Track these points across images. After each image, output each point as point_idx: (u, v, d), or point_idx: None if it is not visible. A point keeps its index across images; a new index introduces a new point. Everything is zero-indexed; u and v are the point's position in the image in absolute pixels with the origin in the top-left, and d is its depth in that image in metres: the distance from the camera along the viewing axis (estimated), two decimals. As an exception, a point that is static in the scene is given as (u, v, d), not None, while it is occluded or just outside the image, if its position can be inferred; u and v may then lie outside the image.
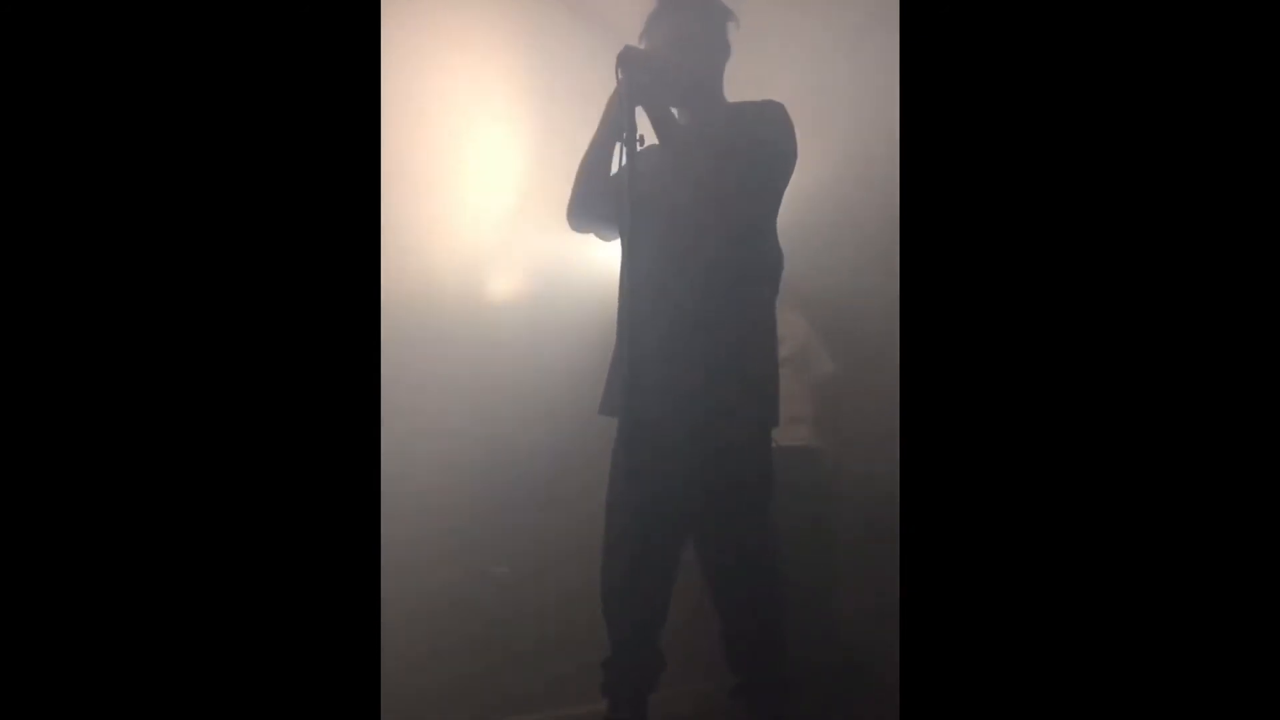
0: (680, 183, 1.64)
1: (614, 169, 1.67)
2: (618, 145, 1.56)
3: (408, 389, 2.23)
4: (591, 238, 1.88)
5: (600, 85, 1.80)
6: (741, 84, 1.91)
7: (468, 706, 2.33)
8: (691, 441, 1.60)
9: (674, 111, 1.70)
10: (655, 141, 1.63)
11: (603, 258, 1.98)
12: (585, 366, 2.16)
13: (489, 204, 2.69)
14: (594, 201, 1.75)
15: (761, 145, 1.69)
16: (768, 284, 1.74)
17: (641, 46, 1.79)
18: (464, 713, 2.32)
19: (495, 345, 2.60)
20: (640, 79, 1.58)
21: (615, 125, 1.59)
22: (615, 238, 1.75)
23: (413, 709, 2.11)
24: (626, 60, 1.58)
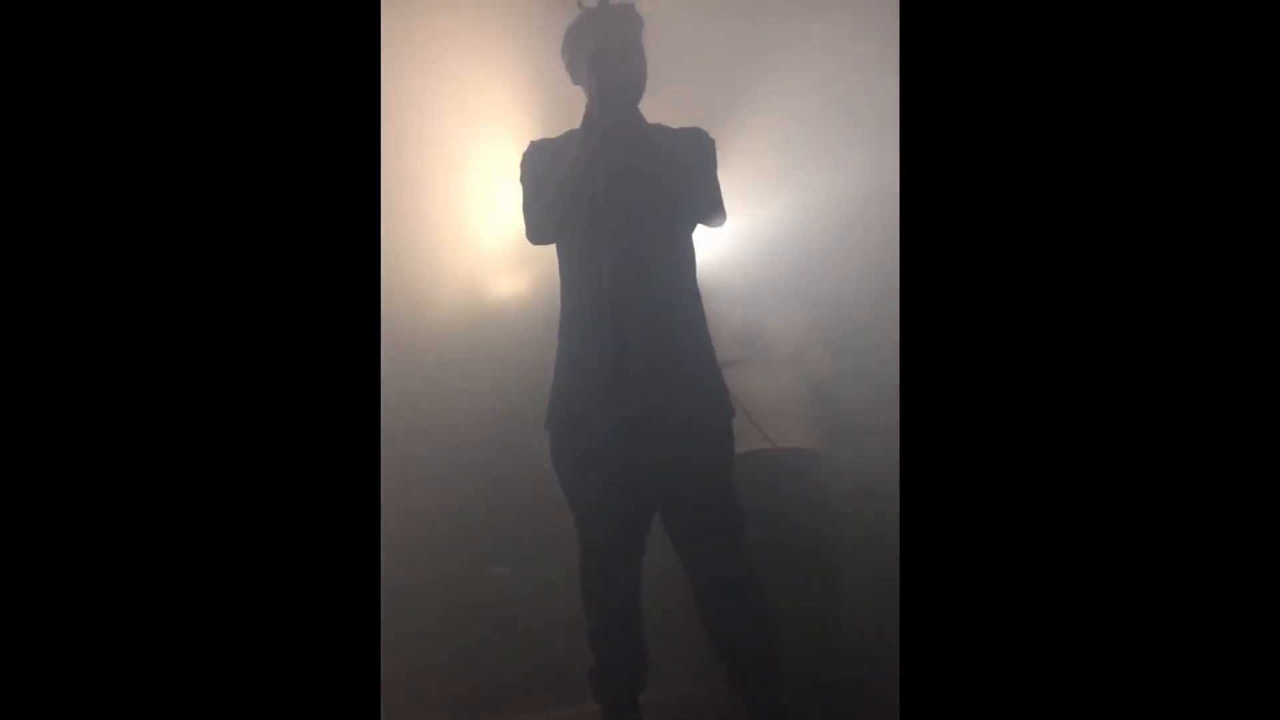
0: (612, 185, 1.64)
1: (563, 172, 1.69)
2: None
3: (408, 390, 2.23)
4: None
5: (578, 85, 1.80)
6: (742, 84, 1.90)
7: (468, 706, 2.33)
8: (646, 447, 1.60)
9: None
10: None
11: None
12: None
13: (489, 206, 2.69)
14: (550, 208, 1.76)
15: (699, 161, 1.73)
16: (689, 277, 1.75)
17: (565, 58, 1.82)
18: (464, 713, 2.32)
19: (495, 347, 2.60)
20: (613, 80, 1.60)
21: (588, 129, 1.60)
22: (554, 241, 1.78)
23: (413, 709, 2.11)
24: (599, 62, 1.60)
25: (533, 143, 1.83)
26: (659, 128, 1.78)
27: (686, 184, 1.70)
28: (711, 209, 1.76)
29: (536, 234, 1.80)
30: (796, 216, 2.82)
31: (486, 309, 2.69)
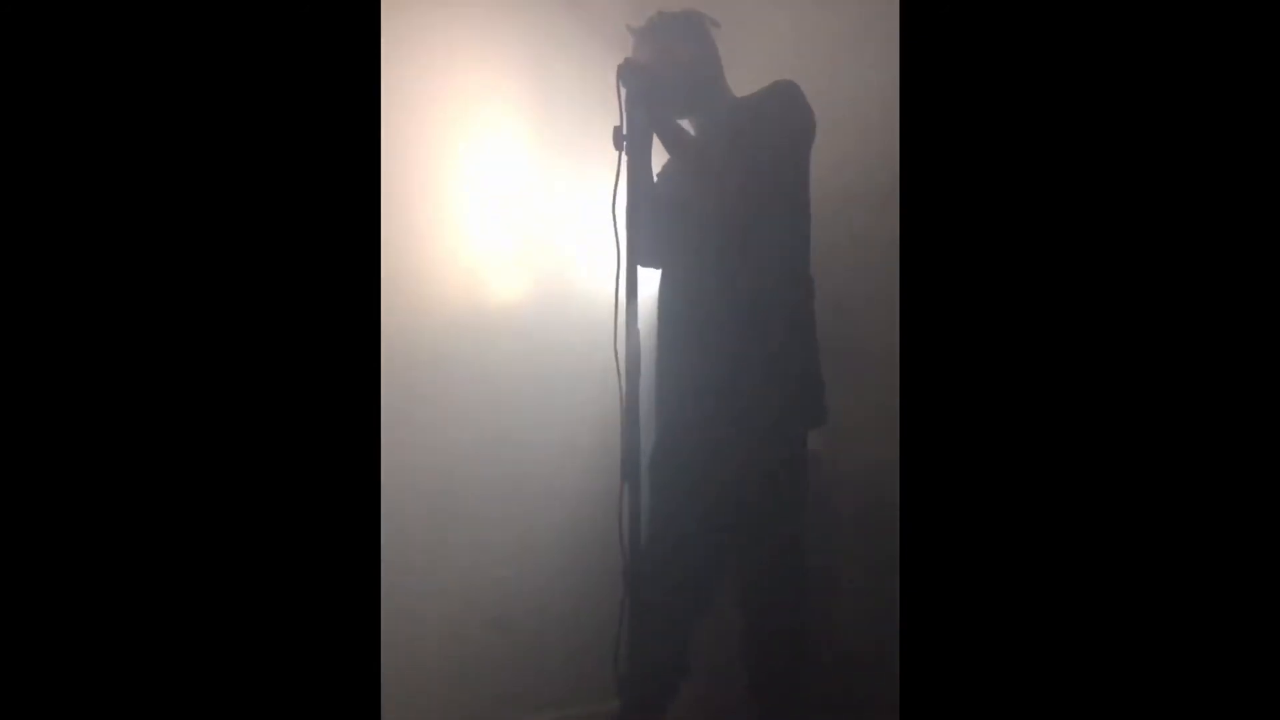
0: (700, 189, 1.63)
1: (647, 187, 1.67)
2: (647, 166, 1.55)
3: (408, 390, 2.23)
4: (590, 244, 1.88)
5: (603, 90, 1.80)
6: (742, 85, 1.90)
7: (468, 706, 2.33)
8: (731, 445, 1.59)
9: (683, 122, 1.69)
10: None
11: (603, 262, 1.99)
12: (586, 369, 2.16)
13: (490, 207, 2.69)
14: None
15: (769, 123, 1.67)
16: (802, 280, 1.72)
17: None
18: (464, 713, 2.32)
19: (495, 347, 2.60)
20: (642, 90, 1.59)
21: (634, 144, 1.58)
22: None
23: (413, 709, 2.11)
24: (627, 73, 1.59)
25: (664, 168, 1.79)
26: (737, 101, 1.71)
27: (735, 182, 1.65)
28: (791, 179, 1.68)
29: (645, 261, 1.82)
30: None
31: (486, 309, 2.69)
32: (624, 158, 1.55)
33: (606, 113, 1.79)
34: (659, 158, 1.80)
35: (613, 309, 1.65)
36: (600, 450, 1.77)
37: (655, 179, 1.64)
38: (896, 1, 1.04)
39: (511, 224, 2.70)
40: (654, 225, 1.63)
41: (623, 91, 1.61)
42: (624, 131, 1.61)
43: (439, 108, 2.59)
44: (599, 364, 1.83)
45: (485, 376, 2.53)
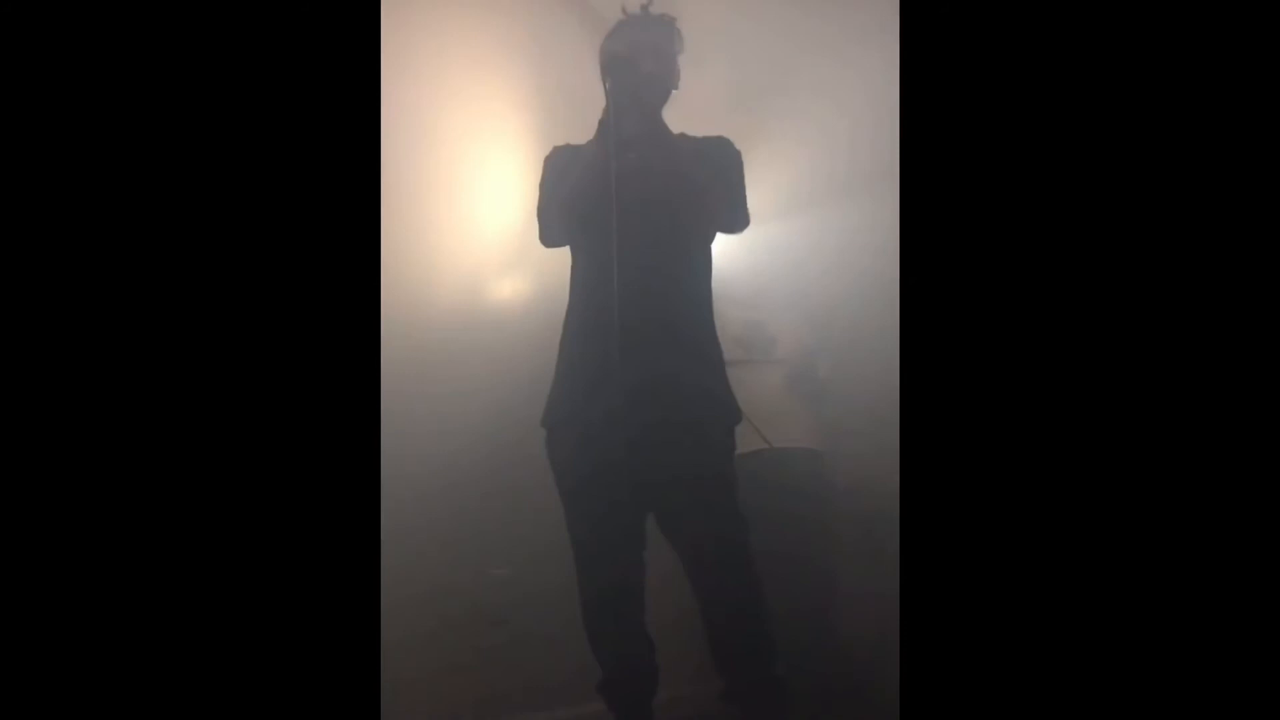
0: (623, 191, 1.64)
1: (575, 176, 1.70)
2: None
3: (408, 390, 2.23)
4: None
5: (603, 90, 1.80)
6: (742, 85, 1.91)
7: (468, 706, 2.33)
8: (649, 447, 1.60)
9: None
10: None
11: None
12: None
13: (490, 209, 2.69)
14: (562, 211, 1.76)
15: (710, 165, 1.72)
16: (702, 284, 1.75)
17: (600, 73, 1.82)
18: (464, 713, 2.32)
19: (495, 347, 2.60)
20: (629, 82, 1.60)
21: (604, 132, 1.60)
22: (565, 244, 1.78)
23: (413, 709, 2.11)
24: (612, 64, 1.60)
25: (555, 147, 1.83)
26: (681, 137, 1.78)
27: (697, 194, 1.70)
28: (731, 220, 1.75)
29: (548, 236, 1.81)
30: (796, 216, 2.82)
31: (486, 309, 2.69)
32: (602, 145, 1.58)
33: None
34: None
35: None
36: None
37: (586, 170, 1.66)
38: (896, 1, 1.04)
39: (511, 224, 2.70)
40: (584, 213, 1.66)
41: (608, 82, 1.63)
42: (610, 125, 1.62)
43: (439, 108, 2.60)
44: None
45: (485, 376, 2.53)
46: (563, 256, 1.80)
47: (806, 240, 2.84)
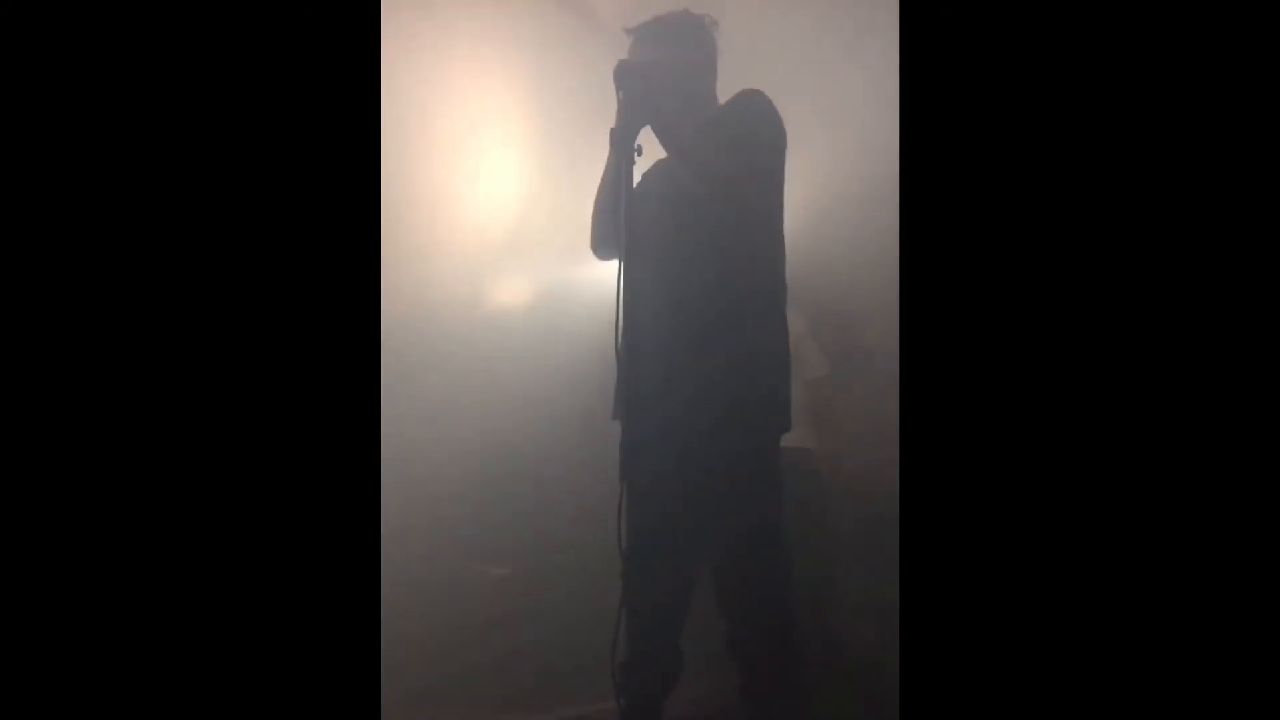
0: (680, 190, 1.63)
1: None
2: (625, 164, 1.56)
3: (408, 390, 2.23)
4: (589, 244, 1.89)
5: (602, 92, 1.80)
6: (740, 84, 1.90)
7: (468, 706, 2.33)
8: (700, 449, 1.60)
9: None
10: (661, 153, 1.63)
11: (603, 263, 2.00)
12: (586, 371, 2.16)
13: (490, 209, 2.70)
14: (613, 227, 1.74)
15: (742, 136, 1.68)
16: (776, 285, 1.73)
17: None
18: (464, 713, 2.32)
19: (496, 350, 2.60)
20: (639, 91, 1.59)
21: (621, 143, 1.59)
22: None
23: (413, 709, 2.11)
24: (624, 74, 1.59)
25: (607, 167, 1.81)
26: (716, 123, 1.73)
27: (723, 187, 1.66)
28: (767, 185, 1.68)
29: (597, 252, 1.81)
30: (796, 216, 2.82)
31: (486, 309, 2.70)
32: (617, 156, 1.57)
33: (606, 113, 1.80)
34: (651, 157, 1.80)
35: (613, 309, 1.65)
36: (599, 450, 1.77)
37: (640, 178, 1.64)
38: (896, 1, 1.04)
39: (511, 224, 2.70)
40: (628, 222, 1.65)
41: (620, 94, 1.62)
42: (619, 134, 1.61)
43: (439, 108, 2.60)
44: (598, 364, 1.84)
45: (485, 376, 2.54)
46: (562, 255, 1.81)
47: (807, 239, 2.83)
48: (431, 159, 2.57)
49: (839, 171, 2.77)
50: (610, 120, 1.64)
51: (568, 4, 2.82)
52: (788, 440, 2.66)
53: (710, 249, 1.65)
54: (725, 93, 1.86)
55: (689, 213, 1.65)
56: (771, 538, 1.62)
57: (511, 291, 2.76)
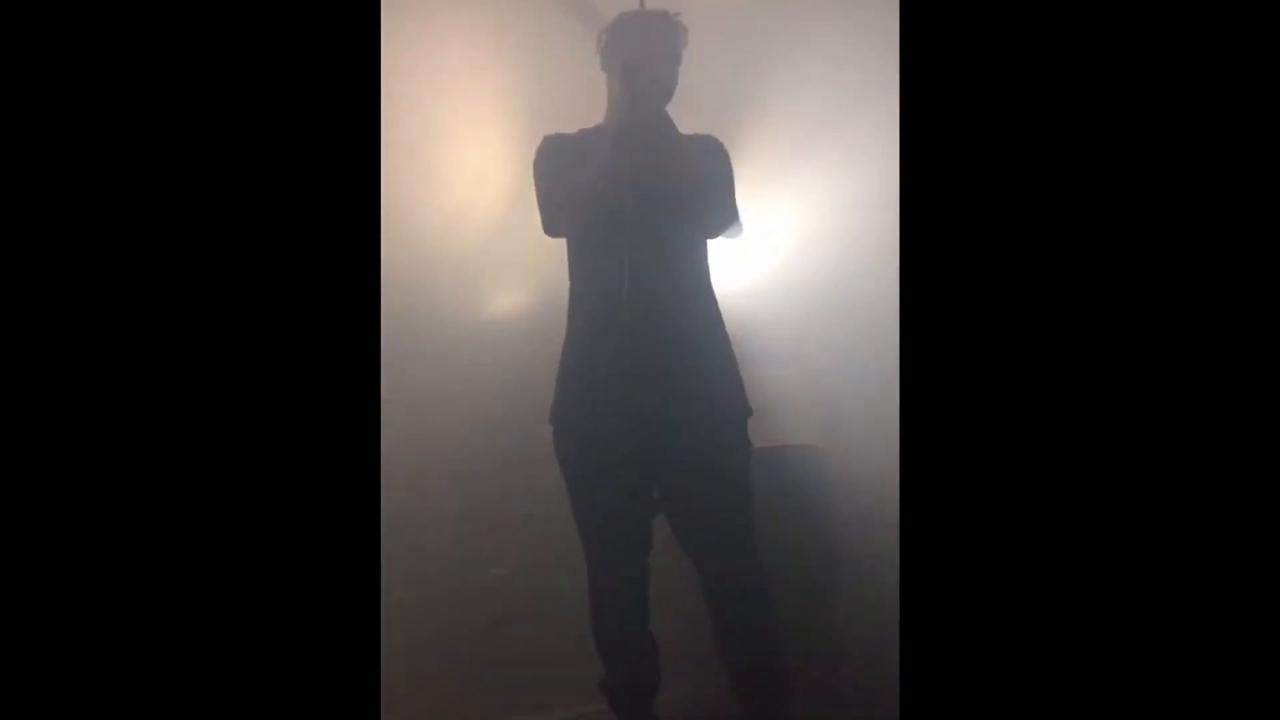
0: (638, 186, 1.64)
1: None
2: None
3: (408, 391, 2.23)
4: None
5: (601, 91, 1.81)
6: (743, 85, 1.91)
7: (468, 706, 2.33)
8: (662, 441, 1.60)
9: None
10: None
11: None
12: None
13: (490, 209, 2.70)
14: (569, 202, 1.75)
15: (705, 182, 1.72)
16: (705, 279, 1.75)
17: (599, 59, 1.83)
18: (464, 713, 2.32)
19: (495, 349, 2.61)
20: (646, 86, 1.60)
21: (624, 141, 1.61)
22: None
23: (413, 709, 2.11)
24: (633, 72, 1.60)
25: (547, 137, 1.81)
26: (682, 135, 1.78)
27: (702, 197, 1.69)
28: (728, 222, 1.75)
29: (554, 226, 1.78)
30: (796, 215, 2.83)
31: (487, 311, 2.70)
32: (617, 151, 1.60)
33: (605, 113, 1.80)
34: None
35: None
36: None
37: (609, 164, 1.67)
38: (896, 1, 1.04)
39: (511, 224, 2.71)
40: (588, 207, 1.66)
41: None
42: (624, 131, 1.62)
43: (439, 108, 2.60)
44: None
45: (485, 375, 2.54)
46: (562, 253, 1.80)
47: (807, 239, 2.84)
48: (431, 159, 2.57)
49: (839, 171, 2.78)
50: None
51: (569, 4, 2.82)
52: (790, 438, 2.66)
53: (662, 243, 1.67)
54: (726, 95, 1.87)
55: (661, 209, 1.66)
56: (745, 529, 1.63)
57: (511, 291, 2.76)
